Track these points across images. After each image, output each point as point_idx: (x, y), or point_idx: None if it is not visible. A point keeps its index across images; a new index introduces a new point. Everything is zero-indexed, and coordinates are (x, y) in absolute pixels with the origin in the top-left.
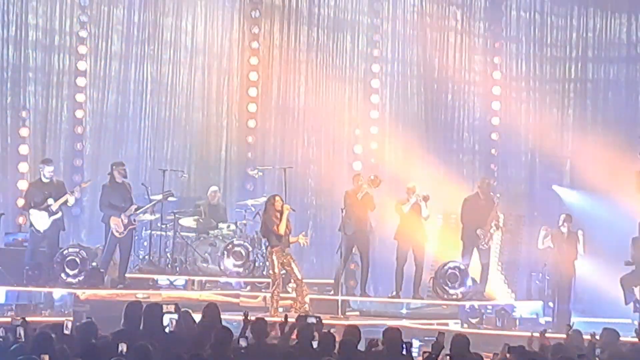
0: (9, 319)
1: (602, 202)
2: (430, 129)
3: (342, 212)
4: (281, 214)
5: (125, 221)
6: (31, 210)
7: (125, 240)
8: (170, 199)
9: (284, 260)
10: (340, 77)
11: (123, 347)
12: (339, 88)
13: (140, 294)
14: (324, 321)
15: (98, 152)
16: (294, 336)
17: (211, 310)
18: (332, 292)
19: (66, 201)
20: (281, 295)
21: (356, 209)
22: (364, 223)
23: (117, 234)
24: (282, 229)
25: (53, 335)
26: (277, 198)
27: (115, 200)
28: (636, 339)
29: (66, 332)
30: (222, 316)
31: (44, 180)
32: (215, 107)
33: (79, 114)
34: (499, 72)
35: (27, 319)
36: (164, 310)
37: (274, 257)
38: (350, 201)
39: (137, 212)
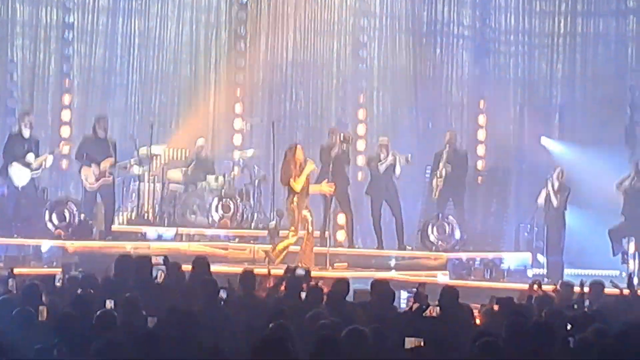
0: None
1: (591, 155)
2: (419, 83)
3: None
4: (302, 168)
5: (97, 173)
6: (13, 163)
7: (106, 194)
8: (153, 150)
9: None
10: (329, 31)
11: (111, 303)
12: (327, 42)
13: (129, 246)
14: (312, 274)
15: (85, 106)
16: (282, 288)
17: (200, 263)
18: (318, 245)
19: (45, 160)
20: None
21: (332, 163)
22: (340, 178)
23: (87, 186)
24: (299, 185)
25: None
26: (299, 148)
27: (91, 152)
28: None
29: (58, 284)
30: (211, 268)
31: (25, 133)
32: (203, 60)
33: (66, 67)
34: (488, 26)
35: (16, 270)
36: (153, 263)
37: (295, 206)
38: (325, 157)
39: (114, 166)
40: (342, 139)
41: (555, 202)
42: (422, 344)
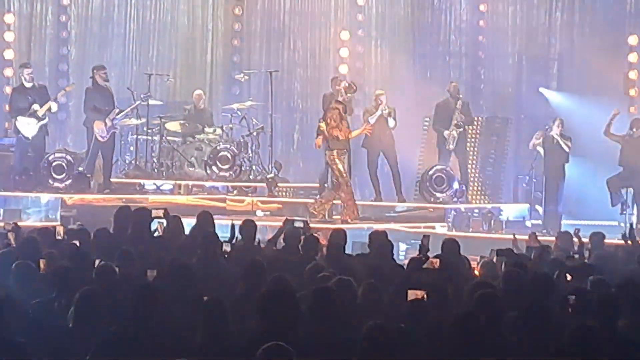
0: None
1: (589, 105)
2: (417, 31)
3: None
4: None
5: (110, 125)
6: (19, 117)
7: (107, 145)
8: (151, 101)
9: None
10: None
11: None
12: None
13: (127, 199)
14: (310, 225)
15: (83, 56)
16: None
17: (204, 217)
18: (318, 196)
19: (49, 108)
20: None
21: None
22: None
23: (100, 138)
24: (345, 133)
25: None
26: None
27: (99, 104)
28: (622, 241)
29: (58, 237)
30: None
31: (26, 84)
32: (200, 10)
33: (64, 18)
34: None
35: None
36: (153, 215)
37: (337, 160)
38: (327, 106)
39: (119, 115)
40: (346, 87)
41: (555, 152)
42: (424, 296)
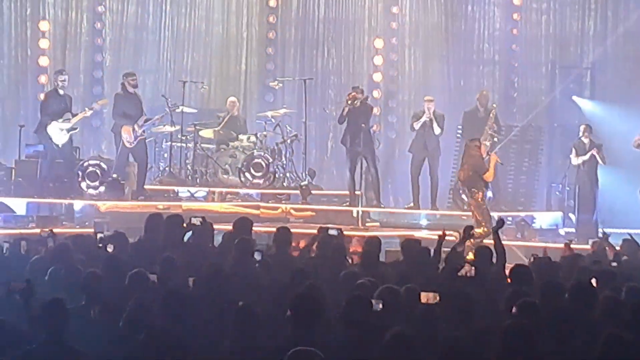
0: (38, 231)
1: (622, 113)
2: (451, 40)
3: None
4: (489, 161)
5: (139, 131)
6: (52, 123)
7: (139, 152)
8: (185, 109)
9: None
10: None
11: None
12: None
13: (161, 206)
14: (345, 232)
15: (118, 64)
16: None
17: (242, 223)
18: (348, 204)
19: (85, 116)
20: None
21: (348, 122)
22: (359, 135)
23: (127, 144)
24: (491, 177)
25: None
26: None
27: (129, 110)
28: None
29: (100, 245)
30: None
31: (60, 91)
32: (235, 18)
33: (99, 25)
34: None
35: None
36: (192, 222)
37: (482, 200)
38: (340, 115)
39: (146, 122)
40: (348, 98)
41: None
42: (437, 298)
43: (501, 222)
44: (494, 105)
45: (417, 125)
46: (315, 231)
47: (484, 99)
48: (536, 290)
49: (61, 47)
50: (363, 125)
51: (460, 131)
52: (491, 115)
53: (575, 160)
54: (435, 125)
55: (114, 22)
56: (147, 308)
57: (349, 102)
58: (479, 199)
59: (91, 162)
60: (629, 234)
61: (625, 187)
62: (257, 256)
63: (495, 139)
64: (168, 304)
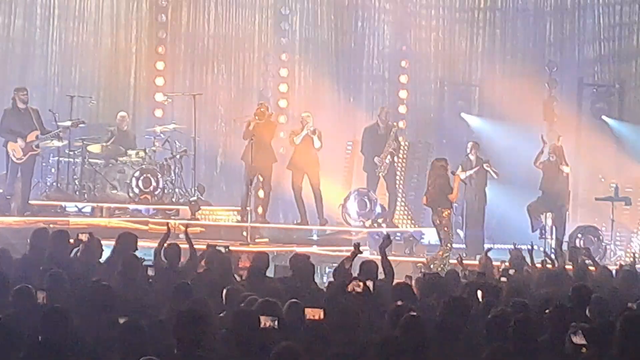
0: None
1: (510, 130)
2: (340, 56)
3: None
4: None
5: (24, 146)
6: None
7: (26, 167)
8: (80, 125)
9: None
10: (250, 3)
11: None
12: (248, 14)
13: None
14: (233, 248)
15: (4, 78)
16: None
17: (126, 239)
18: (238, 219)
19: None
20: None
21: (254, 137)
22: (262, 152)
23: (14, 159)
24: (455, 197)
25: None
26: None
27: (15, 126)
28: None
29: None
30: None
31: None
32: (124, 32)
33: None
34: (409, 0)
35: None
36: (79, 238)
37: (448, 220)
38: (246, 130)
39: (39, 138)
40: (256, 114)
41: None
42: (321, 315)
43: (387, 240)
44: (395, 123)
45: (297, 140)
46: (204, 247)
47: (384, 116)
48: (422, 305)
49: None
50: (266, 141)
51: (350, 147)
52: (392, 133)
53: (463, 175)
54: (315, 139)
55: (1, 35)
56: (25, 323)
57: (257, 117)
58: (445, 218)
59: None
60: (514, 243)
61: (513, 203)
62: (151, 272)
63: (395, 158)
64: (51, 320)
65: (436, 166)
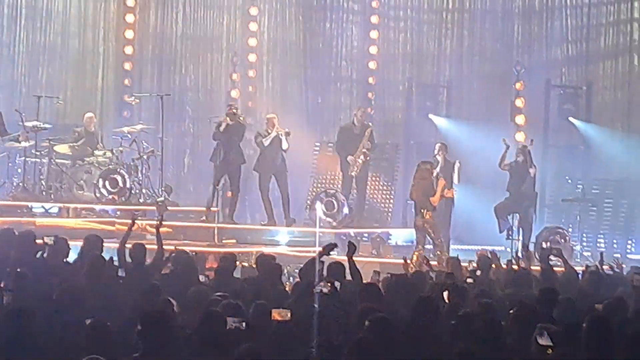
0: None
1: (478, 131)
2: (308, 57)
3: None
4: (437, 185)
5: None
6: None
7: None
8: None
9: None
10: (219, 4)
11: None
12: (217, 15)
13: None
14: (201, 249)
15: None
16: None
17: (92, 240)
18: (203, 219)
19: None
20: None
21: (223, 138)
22: (232, 152)
23: None
24: (436, 200)
25: None
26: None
27: None
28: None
29: None
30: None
31: None
32: (92, 33)
33: None
34: (377, 1)
35: None
36: (45, 241)
37: (430, 219)
38: (217, 130)
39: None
40: (228, 115)
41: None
42: (289, 316)
43: (352, 247)
44: (370, 124)
45: (266, 142)
46: (172, 247)
47: (360, 115)
48: (389, 306)
49: None
50: (236, 142)
51: (317, 147)
52: (366, 133)
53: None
54: (284, 140)
55: None
56: None
57: (228, 118)
58: (428, 219)
59: None
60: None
61: (480, 204)
62: (121, 272)
63: (368, 158)
64: (16, 320)
65: (421, 169)
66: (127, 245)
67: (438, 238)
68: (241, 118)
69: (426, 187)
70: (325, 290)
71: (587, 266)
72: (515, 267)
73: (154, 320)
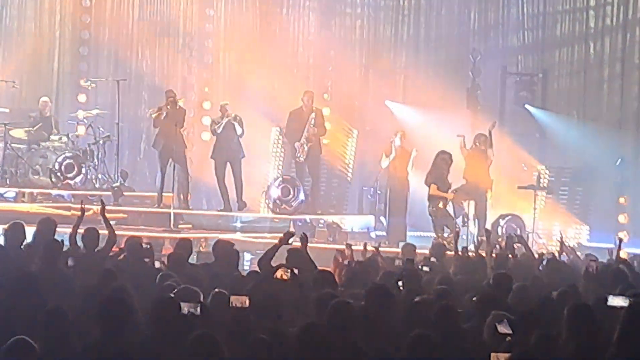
0: None
1: (434, 118)
2: (266, 43)
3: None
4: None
5: None
6: None
7: None
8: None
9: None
10: None
11: None
12: (174, 0)
13: None
14: (156, 235)
15: None
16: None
17: (45, 224)
18: (156, 205)
19: None
20: None
21: (162, 125)
22: (172, 138)
23: None
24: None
25: None
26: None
27: None
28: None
29: None
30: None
31: None
32: (47, 17)
33: None
34: None
35: None
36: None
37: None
38: (157, 118)
39: None
40: (167, 102)
41: (398, 164)
42: (247, 302)
43: (305, 238)
44: (316, 108)
45: (219, 129)
46: (127, 233)
47: (306, 99)
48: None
49: None
50: (177, 128)
51: (277, 134)
52: (309, 118)
53: (385, 163)
54: (237, 125)
55: None
56: None
57: (169, 106)
58: (440, 208)
59: None
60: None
61: None
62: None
63: (311, 143)
64: None
65: (438, 157)
66: (79, 231)
67: (452, 226)
68: (180, 102)
69: (437, 176)
70: (285, 276)
71: (541, 254)
72: (471, 254)
73: (112, 305)
